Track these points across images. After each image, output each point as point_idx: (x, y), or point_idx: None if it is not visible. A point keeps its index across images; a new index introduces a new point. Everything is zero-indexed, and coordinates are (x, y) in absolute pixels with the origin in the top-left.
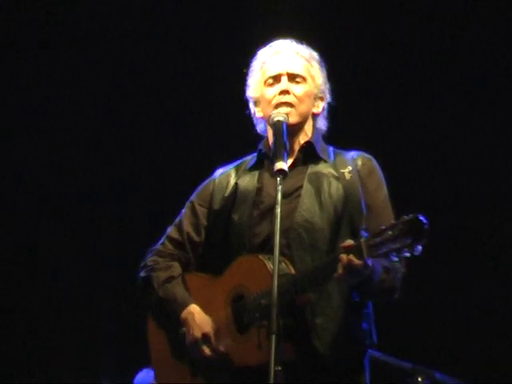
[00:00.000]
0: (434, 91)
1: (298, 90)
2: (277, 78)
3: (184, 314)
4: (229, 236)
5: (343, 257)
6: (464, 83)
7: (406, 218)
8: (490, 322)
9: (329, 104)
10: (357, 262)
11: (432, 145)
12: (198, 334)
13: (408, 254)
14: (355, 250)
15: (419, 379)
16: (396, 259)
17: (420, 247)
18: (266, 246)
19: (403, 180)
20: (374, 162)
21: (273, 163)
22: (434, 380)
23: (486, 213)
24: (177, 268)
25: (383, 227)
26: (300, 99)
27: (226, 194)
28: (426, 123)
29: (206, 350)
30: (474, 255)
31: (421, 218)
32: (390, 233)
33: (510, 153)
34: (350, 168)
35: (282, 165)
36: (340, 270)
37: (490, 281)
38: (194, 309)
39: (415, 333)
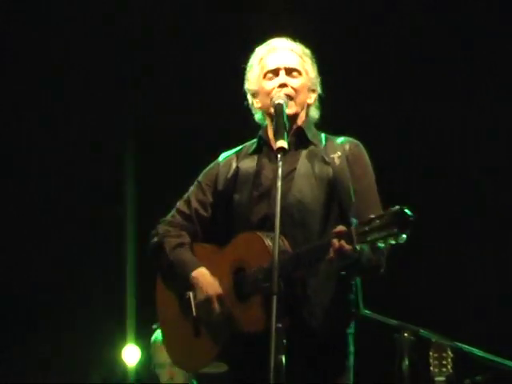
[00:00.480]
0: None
1: (294, 82)
2: (275, 72)
3: (194, 273)
4: (231, 214)
5: (335, 242)
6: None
7: (393, 209)
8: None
9: (319, 95)
10: (347, 247)
11: (414, 132)
12: (207, 292)
13: (393, 242)
14: (346, 237)
15: (405, 335)
16: (382, 245)
17: (405, 236)
18: (264, 224)
19: (388, 165)
20: (361, 148)
21: (271, 148)
22: (419, 335)
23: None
24: (186, 237)
25: (372, 216)
26: (297, 91)
27: (229, 176)
28: (410, 113)
29: (213, 309)
30: (455, 221)
31: (406, 210)
32: (377, 222)
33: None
34: (339, 153)
35: (283, 143)
36: (331, 254)
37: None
38: (204, 270)
39: (402, 294)
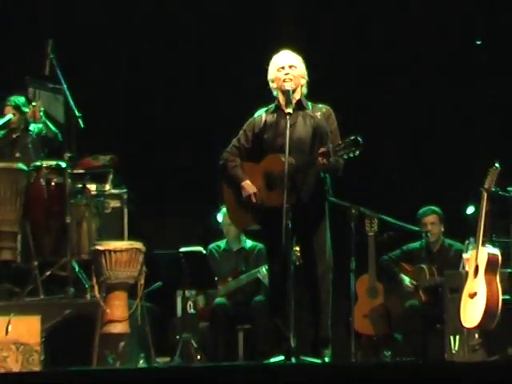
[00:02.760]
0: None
1: (294, 72)
2: (283, 67)
3: (242, 183)
4: (262, 145)
5: (320, 157)
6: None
7: (351, 137)
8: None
9: (307, 81)
10: (327, 159)
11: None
12: (248, 193)
13: (352, 155)
14: (326, 153)
15: (353, 211)
16: (346, 158)
17: (358, 152)
18: (281, 150)
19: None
20: (331, 110)
21: (283, 110)
22: (360, 211)
23: None
24: (238, 160)
25: (340, 142)
26: (295, 77)
27: (261, 125)
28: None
29: (252, 199)
30: None
31: (359, 138)
32: (343, 145)
33: None
34: (319, 113)
35: (290, 110)
36: (318, 164)
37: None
38: (247, 182)
39: (351, 187)
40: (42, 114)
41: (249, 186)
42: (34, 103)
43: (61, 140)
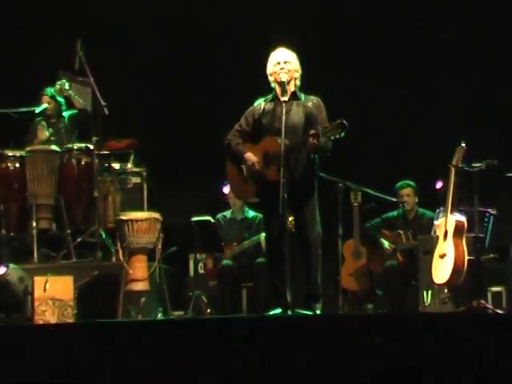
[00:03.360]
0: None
1: (289, 66)
2: (279, 62)
3: (245, 155)
4: (261, 129)
5: (310, 138)
6: None
7: (338, 120)
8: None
9: (300, 75)
10: (317, 140)
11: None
12: (252, 161)
13: (338, 136)
14: (316, 135)
15: (340, 185)
16: (332, 138)
17: (343, 133)
18: (277, 133)
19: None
20: (321, 101)
21: (279, 99)
22: (346, 185)
23: None
24: (240, 140)
25: (327, 125)
26: (290, 71)
27: (260, 112)
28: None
29: (254, 169)
30: None
31: (344, 121)
32: (330, 127)
33: None
34: (311, 103)
35: (285, 98)
36: (309, 144)
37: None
38: (249, 153)
39: (338, 165)
40: (67, 87)
41: (251, 156)
42: (59, 83)
43: (90, 112)
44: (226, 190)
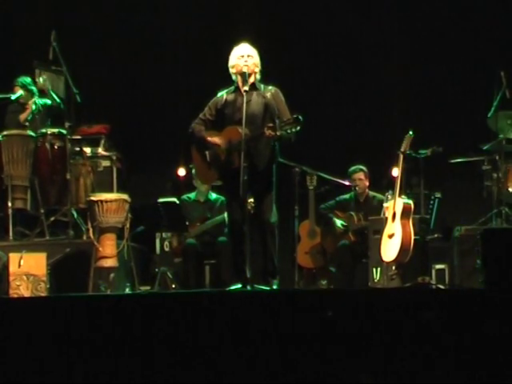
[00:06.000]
0: None
1: (251, 61)
2: (243, 56)
3: (208, 138)
4: (223, 118)
5: (267, 130)
6: None
7: (294, 116)
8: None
9: (260, 70)
10: (274, 132)
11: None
12: (216, 141)
13: (294, 130)
14: (273, 128)
15: (296, 169)
16: (289, 132)
17: (299, 127)
18: (238, 123)
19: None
20: (279, 90)
21: (240, 90)
22: (302, 169)
23: None
24: (203, 128)
25: (284, 119)
26: (252, 65)
27: (222, 102)
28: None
29: (221, 145)
30: None
31: (299, 117)
32: (287, 121)
33: None
34: (269, 93)
35: (246, 88)
36: (266, 136)
37: None
38: (212, 137)
39: (295, 150)
40: (49, 87)
41: (215, 138)
42: (41, 80)
43: (63, 108)
44: (182, 172)
